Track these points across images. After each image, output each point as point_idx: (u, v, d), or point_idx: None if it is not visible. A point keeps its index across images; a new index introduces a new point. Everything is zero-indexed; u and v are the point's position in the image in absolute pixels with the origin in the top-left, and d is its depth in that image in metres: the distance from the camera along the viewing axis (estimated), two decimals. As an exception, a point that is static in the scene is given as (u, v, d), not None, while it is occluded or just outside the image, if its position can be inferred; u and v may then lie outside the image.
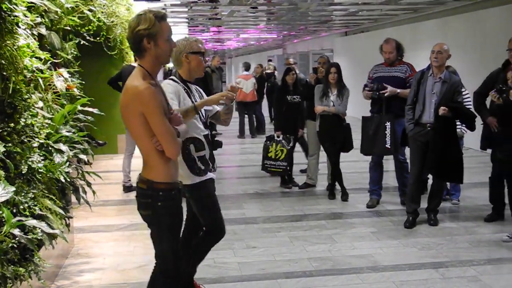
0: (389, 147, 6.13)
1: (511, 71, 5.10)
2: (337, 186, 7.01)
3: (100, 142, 5.13)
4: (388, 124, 6.09)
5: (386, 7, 11.95)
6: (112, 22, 7.10)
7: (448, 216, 6.14)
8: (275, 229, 5.74)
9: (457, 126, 5.80)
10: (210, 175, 3.77)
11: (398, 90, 6.10)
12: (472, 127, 5.60)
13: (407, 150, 6.09)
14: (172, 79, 3.76)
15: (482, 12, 10.42)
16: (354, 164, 8.11)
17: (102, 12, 6.21)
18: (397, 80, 6.18)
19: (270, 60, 20.10)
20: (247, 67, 13.94)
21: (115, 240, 5.43)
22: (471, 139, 6.59)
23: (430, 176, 5.90)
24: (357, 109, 10.01)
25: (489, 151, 5.92)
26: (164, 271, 3.14)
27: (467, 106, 5.91)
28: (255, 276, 4.49)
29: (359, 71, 6.61)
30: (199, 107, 3.67)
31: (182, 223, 3.16)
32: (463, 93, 5.89)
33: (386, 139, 6.10)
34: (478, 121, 5.69)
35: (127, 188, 7.27)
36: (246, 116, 13.16)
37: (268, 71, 14.14)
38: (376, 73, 6.38)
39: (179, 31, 16.90)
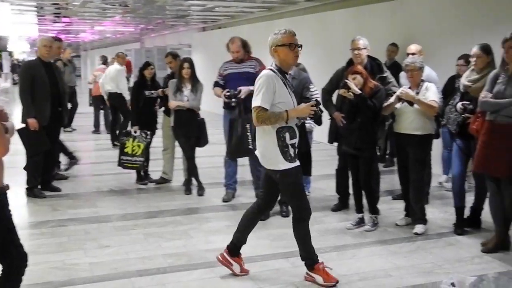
0: (251, 147, 6.25)
1: (350, 74, 5.39)
2: (194, 181, 7.02)
3: None
4: (248, 125, 6.20)
5: (242, 4, 12.20)
6: None
7: (299, 207, 6.41)
8: (130, 227, 5.61)
9: (307, 121, 6.06)
10: (298, 162, 4.04)
11: (252, 88, 6.21)
12: (319, 122, 5.88)
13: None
14: (270, 69, 4.03)
15: (329, 13, 11.03)
16: (210, 159, 8.17)
17: None
18: (249, 75, 6.28)
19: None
20: (104, 60, 13.46)
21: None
22: (321, 133, 6.93)
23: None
24: (212, 104, 10.10)
25: (336, 144, 6.26)
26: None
27: (315, 102, 6.19)
28: (107, 276, 4.34)
29: (216, 67, 6.63)
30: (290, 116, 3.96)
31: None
32: (312, 89, 6.15)
33: (249, 140, 6.21)
34: (326, 116, 6.00)
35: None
36: (101, 111, 12.71)
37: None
38: (226, 70, 6.46)
39: (26, 20, 15.88)
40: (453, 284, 3.67)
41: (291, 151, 4.02)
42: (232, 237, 4.45)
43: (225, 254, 4.40)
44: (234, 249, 4.40)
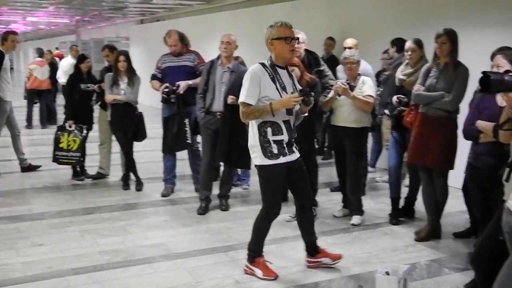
0: (190, 141, 6.21)
1: (288, 66, 5.40)
2: (132, 176, 6.90)
3: None
4: (186, 121, 6.14)
5: (180, -3, 12.07)
6: None
7: (239, 200, 6.42)
8: (65, 224, 5.45)
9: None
10: (284, 159, 3.99)
11: (190, 82, 6.18)
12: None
13: (199, 138, 6.21)
14: (262, 63, 4.00)
15: (268, 7, 11.06)
16: (149, 153, 8.05)
17: None
18: (187, 69, 6.27)
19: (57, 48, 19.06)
20: (40, 53, 12.99)
21: None
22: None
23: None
24: (150, 97, 9.96)
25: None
26: None
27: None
28: (40, 276, 4.20)
29: (155, 60, 6.54)
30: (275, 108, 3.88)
31: None
32: (251, 82, 6.16)
33: (187, 135, 6.17)
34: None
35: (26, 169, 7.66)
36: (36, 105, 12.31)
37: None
38: (164, 63, 6.39)
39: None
40: (387, 273, 3.75)
41: (274, 147, 3.97)
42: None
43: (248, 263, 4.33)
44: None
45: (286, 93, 4.00)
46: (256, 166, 4.12)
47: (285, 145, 4.03)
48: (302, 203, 4.34)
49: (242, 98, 3.98)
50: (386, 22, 7.99)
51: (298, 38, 4.03)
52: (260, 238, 4.28)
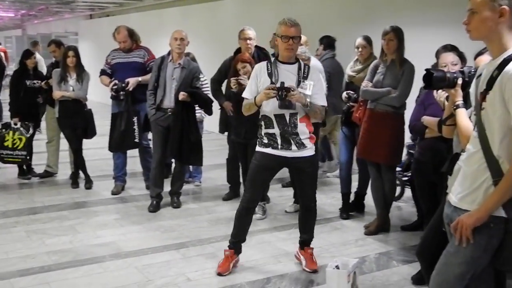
0: (138, 141, 6.13)
1: (240, 62, 5.40)
2: (81, 174, 6.76)
3: None
4: (135, 119, 6.06)
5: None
6: None
7: (191, 197, 6.39)
8: (10, 224, 5.30)
9: (197, 111, 6.04)
10: (273, 151, 4.06)
11: (140, 78, 6.11)
12: (209, 112, 5.89)
13: (150, 135, 6.14)
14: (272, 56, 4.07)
15: (219, 3, 11.02)
16: (98, 151, 7.88)
17: None
18: (137, 65, 6.19)
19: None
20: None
21: None
22: (212, 123, 6.94)
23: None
24: (100, 94, 9.79)
25: (226, 134, 6.28)
26: None
27: (205, 92, 6.16)
28: (-17, 279, 4.07)
29: (105, 56, 6.43)
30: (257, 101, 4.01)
31: None
32: (202, 79, 6.14)
33: (135, 133, 6.08)
34: (216, 106, 6.02)
35: None
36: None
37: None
38: (114, 59, 6.30)
39: None
40: (337, 267, 3.81)
41: (265, 139, 4.10)
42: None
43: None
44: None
45: None
46: None
47: (277, 139, 4.05)
48: (302, 202, 4.42)
49: (244, 93, 4.21)
50: (335, 19, 8.09)
51: (293, 38, 3.97)
52: (235, 230, 4.30)
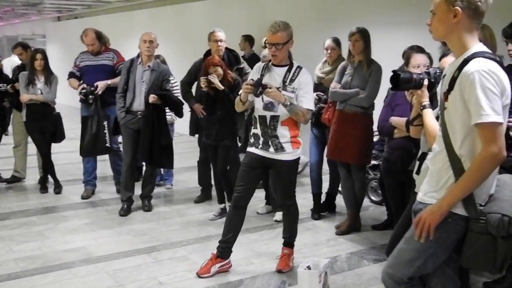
0: (109, 145, 6.07)
1: (212, 66, 5.38)
2: (50, 179, 6.66)
3: None
4: (105, 123, 6.00)
5: (98, -6, 11.75)
6: None
7: (162, 200, 6.35)
8: (-23, 231, 5.19)
9: (168, 113, 6.01)
10: (255, 151, 4.14)
11: (109, 82, 6.06)
12: (180, 114, 5.87)
13: (120, 138, 6.08)
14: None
15: (188, 5, 10.99)
16: (68, 155, 7.80)
17: None
18: (106, 68, 6.14)
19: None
20: None
21: None
22: (183, 125, 6.90)
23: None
24: (69, 97, 9.67)
25: (197, 136, 6.25)
26: None
27: (175, 94, 6.13)
28: None
29: (73, 58, 6.36)
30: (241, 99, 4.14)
31: None
32: (172, 81, 6.11)
33: (106, 138, 6.02)
34: (186, 108, 5.99)
35: None
36: None
37: None
38: (83, 61, 6.24)
39: None
40: (309, 267, 3.83)
41: (251, 138, 4.19)
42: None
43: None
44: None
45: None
46: None
47: (260, 139, 4.12)
48: (279, 201, 4.55)
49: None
50: (304, 20, 8.13)
51: (275, 44, 3.99)
52: (224, 230, 4.30)
